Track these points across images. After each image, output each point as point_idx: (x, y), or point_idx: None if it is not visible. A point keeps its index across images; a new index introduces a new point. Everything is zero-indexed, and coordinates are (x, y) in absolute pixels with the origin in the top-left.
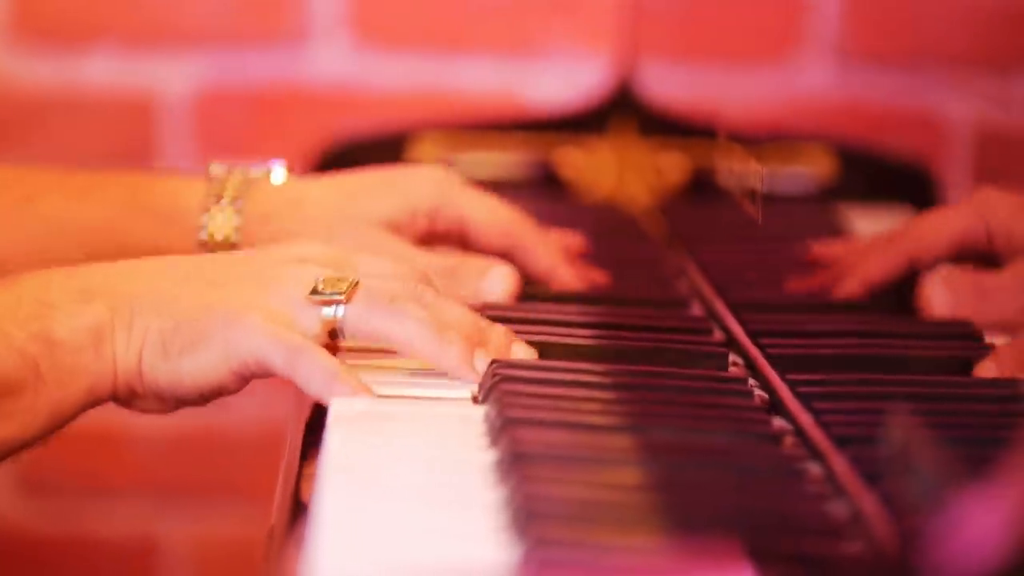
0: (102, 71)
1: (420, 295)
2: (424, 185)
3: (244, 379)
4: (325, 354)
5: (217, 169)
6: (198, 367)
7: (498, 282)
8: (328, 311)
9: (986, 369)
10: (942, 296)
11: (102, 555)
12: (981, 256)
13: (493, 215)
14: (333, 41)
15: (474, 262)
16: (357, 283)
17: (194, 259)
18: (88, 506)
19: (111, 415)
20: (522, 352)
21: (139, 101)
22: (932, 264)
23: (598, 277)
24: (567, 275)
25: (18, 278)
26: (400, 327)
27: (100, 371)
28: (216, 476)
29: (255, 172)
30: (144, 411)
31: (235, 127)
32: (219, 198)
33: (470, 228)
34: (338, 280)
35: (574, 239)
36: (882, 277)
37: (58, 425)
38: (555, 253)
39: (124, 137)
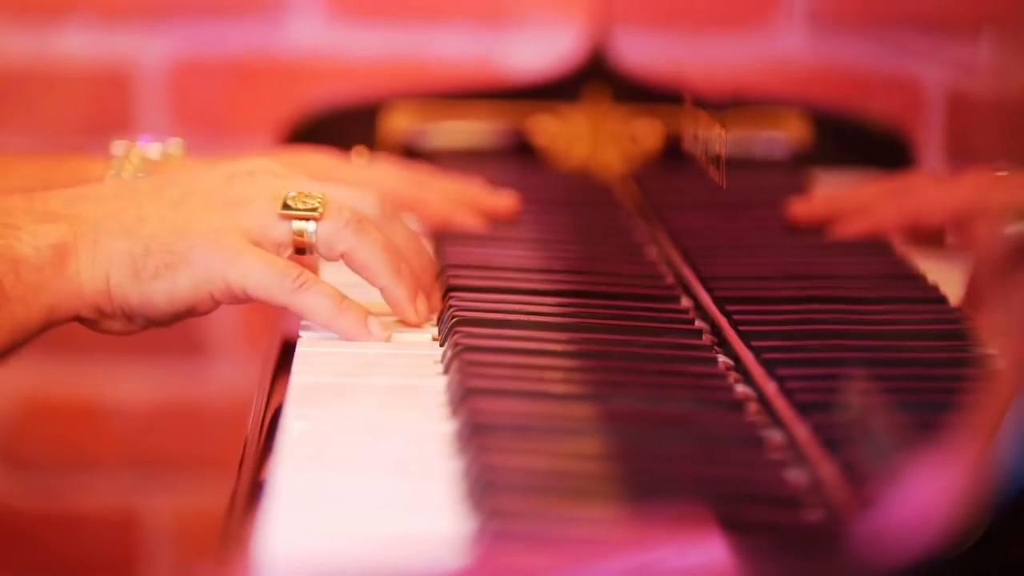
0: (78, 43)
1: (382, 216)
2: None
3: (219, 303)
4: (326, 285)
5: (118, 147)
6: (173, 290)
7: None
8: (300, 225)
9: None
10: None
11: (83, 528)
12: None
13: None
14: (308, 11)
15: None
16: (327, 199)
17: (149, 180)
18: (69, 479)
19: (92, 388)
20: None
21: (115, 73)
22: (930, 229)
23: (509, 208)
24: (466, 219)
25: None
26: (363, 250)
27: (63, 289)
28: (197, 449)
29: (153, 150)
30: (111, 332)
31: (211, 98)
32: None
33: None
34: (307, 196)
35: (502, 197)
36: (888, 227)
37: (20, 342)
38: (447, 201)
39: (101, 109)
